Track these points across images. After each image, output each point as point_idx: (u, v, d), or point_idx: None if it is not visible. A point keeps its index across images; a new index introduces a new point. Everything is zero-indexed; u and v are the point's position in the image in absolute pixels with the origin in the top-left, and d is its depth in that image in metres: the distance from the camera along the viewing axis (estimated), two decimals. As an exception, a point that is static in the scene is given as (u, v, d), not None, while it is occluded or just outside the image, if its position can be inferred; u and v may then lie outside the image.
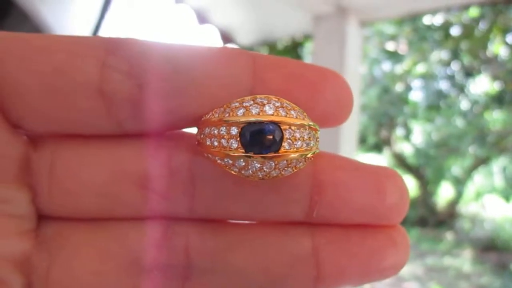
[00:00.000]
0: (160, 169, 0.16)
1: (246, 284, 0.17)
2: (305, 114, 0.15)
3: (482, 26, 3.14)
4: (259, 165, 0.15)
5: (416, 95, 3.97)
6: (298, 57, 1.95)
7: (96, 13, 1.02)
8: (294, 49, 1.92)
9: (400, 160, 4.58)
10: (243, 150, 0.14)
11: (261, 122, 0.14)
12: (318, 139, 0.16)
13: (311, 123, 0.15)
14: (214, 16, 1.14)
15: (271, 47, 1.80)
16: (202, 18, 1.13)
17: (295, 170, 0.15)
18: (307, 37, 1.64)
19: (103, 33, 1.01)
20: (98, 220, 0.17)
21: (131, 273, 0.16)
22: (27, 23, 0.95)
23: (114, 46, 0.15)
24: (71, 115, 0.15)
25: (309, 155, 0.15)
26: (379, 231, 0.17)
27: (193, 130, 0.17)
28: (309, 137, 0.15)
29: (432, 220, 4.20)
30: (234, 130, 0.15)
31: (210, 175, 0.16)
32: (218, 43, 1.19)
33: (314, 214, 0.16)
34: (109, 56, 0.15)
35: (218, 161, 0.15)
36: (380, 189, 0.16)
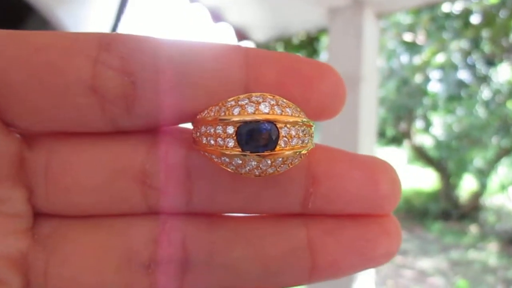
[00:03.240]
0: (157, 165, 0.16)
1: (243, 276, 0.17)
2: (299, 110, 0.15)
3: (503, 13, 3.05)
4: (255, 163, 0.15)
5: (436, 86, 3.89)
6: (314, 51, 1.93)
7: (112, 15, 1.03)
8: (309, 44, 1.91)
9: (420, 152, 4.51)
10: (239, 149, 0.15)
11: (257, 121, 0.14)
12: (313, 135, 0.16)
13: (305, 119, 0.15)
14: (228, 14, 1.14)
15: (287, 42, 1.79)
16: (217, 17, 1.14)
17: (291, 166, 0.16)
18: (323, 31, 1.62)
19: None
20: (95, 217, 0.17)
21: (130, 269, 0.16)
22: (45, 27, 0.97)
23: (107, 42, 0.15)
24: (65, 112, 0.15)
25: (303, 152, 0.15)
26: (372, 221, 0.17)
27: (188, 125, 0.17)
28: (304, 134, 0.15)
29: (456, 213, 4.12)
30: (231, 129, 0.15)
31: (207, 170, 0.16)
32: (233, 41, 1.19)
33: (310, 205, 0.17)
34: (101, 52, 0.15)
35: (215, 159, 0.15)
36: (373, 179, 0.17)
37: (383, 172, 0.17)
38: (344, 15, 0.86)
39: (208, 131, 0.15)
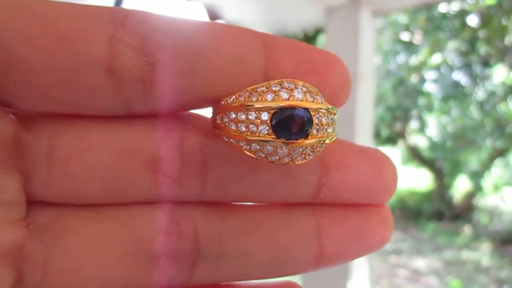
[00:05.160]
0: (171, 151, 0.15)
1: (254, 266, 0.17)
2: (325, 98, 0.15)
3: (500, 14, 3.07)
4: (287, 151, 0.15)
5: (432, 87, 3.91)
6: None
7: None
8: (306, 42, 1.91)
9: (414, 153, 4.53)
10: (273, 136, 0.14)
11: (293, 108, 0.14)
12: (336, 124, 0.16)
13: (330, 107, 0.15)
14: (225, 12, 1.13)
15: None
16: (214, 14, 1.13)
17: (317, 155, 0.15)
18: (320, 30, 1.62)
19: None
20: (100, 205, 0.16)
21: (138, 261, 0.15)
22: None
23: (121, 18, 0.14)
24: (75, 93, 0.14)
25: (328, 141, 0.15)
26: (371, 210, 0.18)
27: (202, 111, 0.17)
28: (332, 122, 0.15)
29: (449, 213, 4.14)
30: (265, 116, 0.14)
31: (223, 158, 0.16)
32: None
33: (322, 195, 0.17)
34: (118, 29, 0.13)
35: (244, 146, 0.15)
36: (378, 171, 0.17)
37: (386, 164, 0.18)
38: (341, 14, 0.86)
39: (238, 117, 0.14)
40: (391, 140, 4.62)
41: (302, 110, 0.14)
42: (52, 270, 0.15)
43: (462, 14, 3.25)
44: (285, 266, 0.17)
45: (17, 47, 0.13)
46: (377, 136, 4.37)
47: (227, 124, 0.15)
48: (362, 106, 0.80)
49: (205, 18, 1.12)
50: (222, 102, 0.15)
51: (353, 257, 0.18)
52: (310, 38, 1.90)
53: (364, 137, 0.80)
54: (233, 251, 0.16)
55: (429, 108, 4.00)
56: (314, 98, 0.15)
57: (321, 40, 2.05)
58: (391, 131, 4.42)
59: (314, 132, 0.14)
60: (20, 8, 0.13)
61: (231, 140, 0.15)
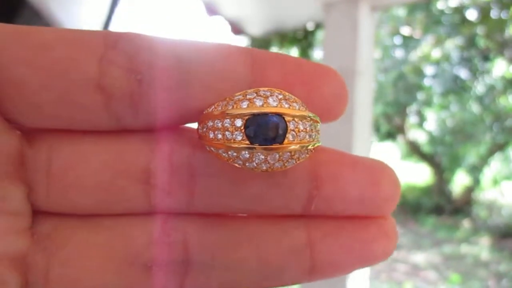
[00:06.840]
0: (161, 164, 0.16)
1: (244, 276, 0.17)
2: (305, 106, 0.16)
3: (499, 8, 3.06)
4: (263, 157, 0.15)
5: (431, 82, 3.90)
6: (310, 45, 1.93)
7: (106, 9, 1.02)
8: (305, 38, 1.90)
9: (414, 148, 4.53)
10: (247, 142, 0.14)
11: (266, 114, 0.14)
12: (319, 131, 0.16)
13: (311, 114, 0.15)
14: (223, 8, 1.13)
15: (282, 36, 1.79)
16: (212, 10, 1.13)
17: (298, 162, 0.16)
18: (318, 25, 1.62)
19: (112, 28, 1.02)
20: (96, 216, 0.16)
21: (131, 270, 0.16)
22: (38, 21, 0.96)
23: (114, 40, 0.15)
24: (70, 110, 0.15)
25: (310, 147, 0.15)
26: (371, 222, 0.18)
27: (194, 125, 0.17)
28: (311, 129, 0.15)
29: (449, 208, 4.15)
30: (239, 122, 0.15)
31: (211, 170, 0.16)
32: (228, 34, 1.18)
33: (312, 207, 0.17)
34: (108, 50, 0.15)
35: (223, 154, 0.15)
36: (375, 182, 0.17)
37: (384, 175, 0.17)
38: (340, 9, 0.85)
39: (215, 125, 0.15)
40: (391, 135, 4.62)
41: (276, 116, 0.14)
42: (53, 279, 0.16)
43: (461, 8, 3.24)
44: (277, 278, 0.17)
45: (14, 69, 0.14)
46: (377, 131, 4.37)
47: (206, 133, 0.15)
48: (360, 101, 0.80)
49: (204, 15, 1.12)
50: (204, 112, 0.16)
51: (351, 269, 0.18)
52: (308, 33, 1.89)
53: (363, 133, 0.80)
54: (224, 261, 0.17)
55: (428, 102, 4.00)
56: (290, 105, 0.15)
57: (320, 36, 2.04)
58: (390, 126, 4.42)
59: (290, 138, 0.15)
60: (19, 35, 0.14)
61: (212, 148, 0.15)
